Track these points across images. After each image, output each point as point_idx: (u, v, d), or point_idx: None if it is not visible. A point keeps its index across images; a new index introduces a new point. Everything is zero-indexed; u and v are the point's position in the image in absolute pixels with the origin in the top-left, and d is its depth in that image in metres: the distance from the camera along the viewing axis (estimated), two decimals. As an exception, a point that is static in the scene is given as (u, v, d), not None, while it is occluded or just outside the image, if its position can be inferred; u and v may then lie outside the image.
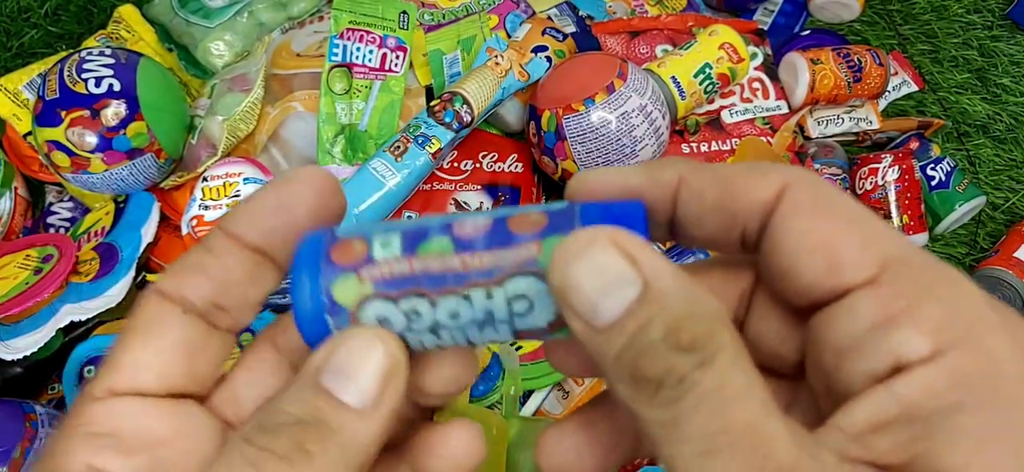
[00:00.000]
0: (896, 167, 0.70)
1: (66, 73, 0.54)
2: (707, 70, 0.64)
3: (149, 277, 0.55)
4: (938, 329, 0.13)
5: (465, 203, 0.62)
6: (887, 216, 0.70)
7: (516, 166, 0.64)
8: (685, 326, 0.13)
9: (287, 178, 0.16)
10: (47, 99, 0.54)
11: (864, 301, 0.14)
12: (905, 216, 0.70)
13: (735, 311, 0.17)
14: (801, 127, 0.75)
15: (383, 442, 0.15)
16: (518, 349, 0.57)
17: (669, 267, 0.13)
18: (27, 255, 0.54)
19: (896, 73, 0.81)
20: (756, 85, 0.72)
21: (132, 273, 0.54)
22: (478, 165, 0.64)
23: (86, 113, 0.53)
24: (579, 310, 0.13)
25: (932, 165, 0.74)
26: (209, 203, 0.57)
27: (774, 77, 0.73)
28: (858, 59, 0.73)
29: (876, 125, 0.76)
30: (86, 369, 0.53)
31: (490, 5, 0.70)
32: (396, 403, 0.14)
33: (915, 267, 0.14)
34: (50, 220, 0.64)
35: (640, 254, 0.13)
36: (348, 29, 0.62)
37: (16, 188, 0.64)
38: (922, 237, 0.71)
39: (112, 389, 0.15)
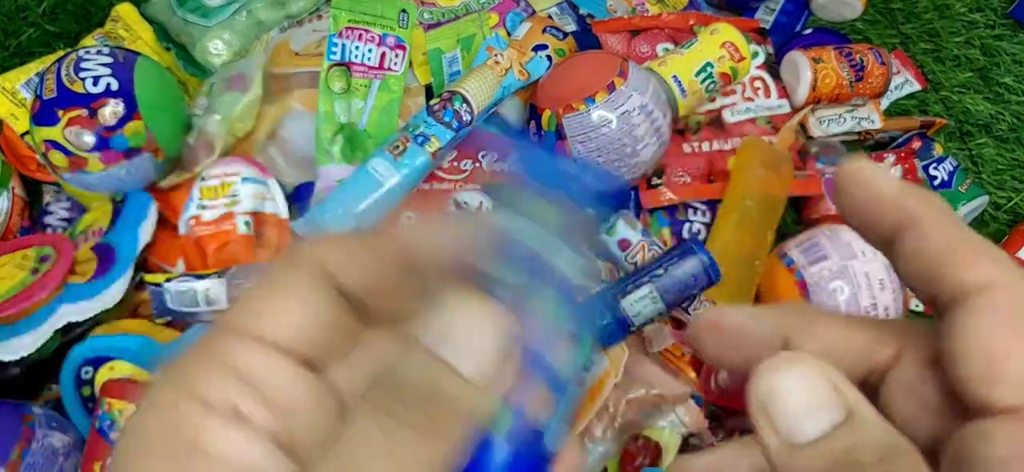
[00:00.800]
0: (898, 166, 0.70)
1: (64, 72, 0.54)
2: (708, 69, 0.64)
3: (147, 278, 0.55)
4: None
5: (465, 203, 0.62)
6: (889, 216, 0.70)
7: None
8: (895, 459, 0.13)
9: (466, 218, 0.16)
10: (45, 98, 0.54)
11: (1000, 431, 0.13)
12: (907, 216, 0.70)
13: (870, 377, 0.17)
14: (803, 126, 0.74)
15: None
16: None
17: (868, 403, 0.14)
18: (24, 255, 0.54)
19: (898, 72, 0.81)
20: (758, 84, 0.71)
21: (130, 273, 0.54)
22: (478, 165, 0.64)
23: (84, 112, 0.53)
24: (779, 422, 0.14)
25: (934, 165, 0.73)
26: (207, 203, 0.57)
27: (776, 76, 0.72)
28: (860, 58, 0.73)
29: (878, 124, 0.76)
30: (83, 370, 0.52)
31: (490, 3, 0.69)
32: (510, 384, 0.14)
33: None
34: (47, 220, 0.64)
35: (843, 383, 0.14)
36: (347, 28, 0.62)
37: (13, 188, 0.63)
38: (924, 237, 0.70)
39: (255, 333, 0.14)
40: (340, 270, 0.15)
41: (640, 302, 0.60)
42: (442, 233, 0.16)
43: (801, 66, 0.71)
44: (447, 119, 0.59)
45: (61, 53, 0.57)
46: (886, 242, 0.16)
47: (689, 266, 0.60)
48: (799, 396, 0.14)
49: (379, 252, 0.15)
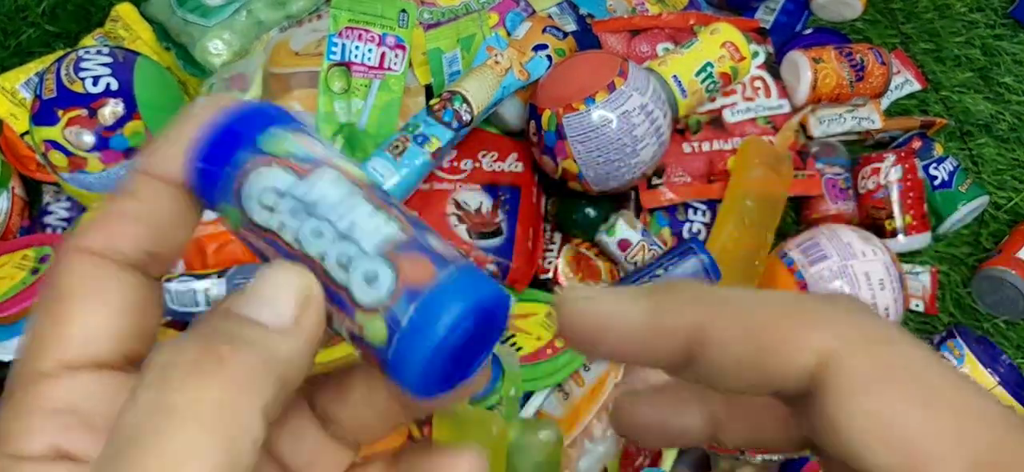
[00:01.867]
0: (899, 166, 0.70)
1: (63, 72, 0.54)
2: (709, 69, 0.64)
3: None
4: None
5: (465, 203, 0.62)
6: (890, 215, 0.70)
7: (516, 165, 0.64)
8: None
9: (199, 107, 0.15)
10: (44, 98, 0.54)
11: None
12: (908, 215, 0.70)
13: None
14: (803, 126, 0.74)
15: (307, 369, 0.13)
16: (518, 349, 0.57)
17: None
18: (24, 255, 0.54)
19: (898, 72, 0.81)
20: (758, 84, 0.71)
21: (129, 273, 0.54)
22: (478, 164, 0.64)
23: (83, 112, 0.53)
24: None
25: (935, 164, 0.73)
26: (207, 203, 0.57)
27: (776, 76, 0.72)
28: (860, 58, 0.73)
29: (879, 124, 0.76)
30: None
31: (490, 3, 0.69)
32: (316, 328, 0.13)
33: (1012, 465, 0.11)
34: (47, 220, 0.64)
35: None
36: (347, 27, 0.62)
37: (13, 188, 0.63)
38: (925, 236, 0.70)
39: (64, 362, 0.13)
40: (114, 243, 0.14)
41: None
42: (177, 134, 0.14)
43: (801, 66, 0.71)
44: (447, 119, 0.59)
45: (61, 53, 0.57)
46: (677, 367, 0.14)
47: (689, 266, 0.60)
48: None
49: (140, 200, 0.14)
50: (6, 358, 0.50)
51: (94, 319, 0.14)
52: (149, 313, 0.14)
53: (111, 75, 0.54)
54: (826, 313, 0.13)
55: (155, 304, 0.15)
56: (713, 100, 0.69)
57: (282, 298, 0.13)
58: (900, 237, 0.70)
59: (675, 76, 0.63)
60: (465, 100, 0.59)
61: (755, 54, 0.72)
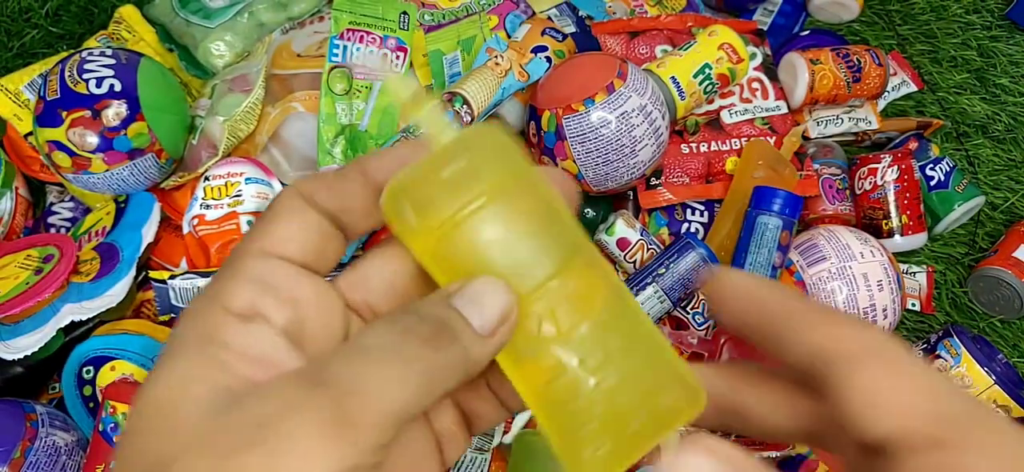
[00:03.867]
0: (895, 167, 0.70)
1: (67, 73, 0.55)
2: (706, 70, 0.65)
3: (152, 274, 0.55)
4: None
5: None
6: (886, 216, 0.70)
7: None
8: None
9: (415, 141, 0.19)
10: (48, 99, 0.54)
11: (922, 460, 0.15)
12: (904, 216, 0.70)
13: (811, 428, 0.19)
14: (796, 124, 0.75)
15: (483, 368, 0.18)
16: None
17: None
18: (28, 255, 0.54)
19: (895, 73, 0.81)
20: (755, 85, 0.72)
21: (133, 273, 0.54)
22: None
23: (87, 113, 0.53)
24: None
25: (931, 165, 0.74)
26: (210, 202, 0.57)
27: (773, 77, 0.73)
28: (857, 59, 0.73)
29: (875, 125, 0.77)
30: (85, 369, 0.53)
31: (490, 5, 0.70)
32: (506, 339, 0.18)
33: (971, 423, 0.15)
34: (51, 220, 0.64)
35: (738, 459, 0.16)
36: (348, 29, 0.62)
37: (17, 188, 0.64)
38: (921, 237, 0.71)
39: (265, 250, 0.18)
40: (314, 192, 0.19)
41: (647, 303, 0.60)
42: (391, 155, 0.19)
43: (799, 67, 0.71)
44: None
45: (64, 54, 0.57)
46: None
47: (689, 261, 0.61)
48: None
49: (343, 176, 0.19)
50: (10, 357, 0.50)
51: (290, 228, 0.18)
52: (329, 245, 0.19)
53: (114, 76, 0.55)
54: (832, 315, 0.17)
55: (335, 244, 0.19)
56: (711, 101, 0.70)
57: (492, 309, 0.17)
58: (897, 237, 0.70)
59: (673, 77, 0.64)
60: (465, 101, 0.60)
61: (753, 56, 0.72)
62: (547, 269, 0.18)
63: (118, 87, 0.54)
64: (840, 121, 0.76)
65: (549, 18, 0.69)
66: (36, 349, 0.50)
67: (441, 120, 0.18)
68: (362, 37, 0.62)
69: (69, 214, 0.64)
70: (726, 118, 0.70)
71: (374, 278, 0.19)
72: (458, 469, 0.55)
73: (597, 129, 0.57)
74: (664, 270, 0.61)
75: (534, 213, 0.18)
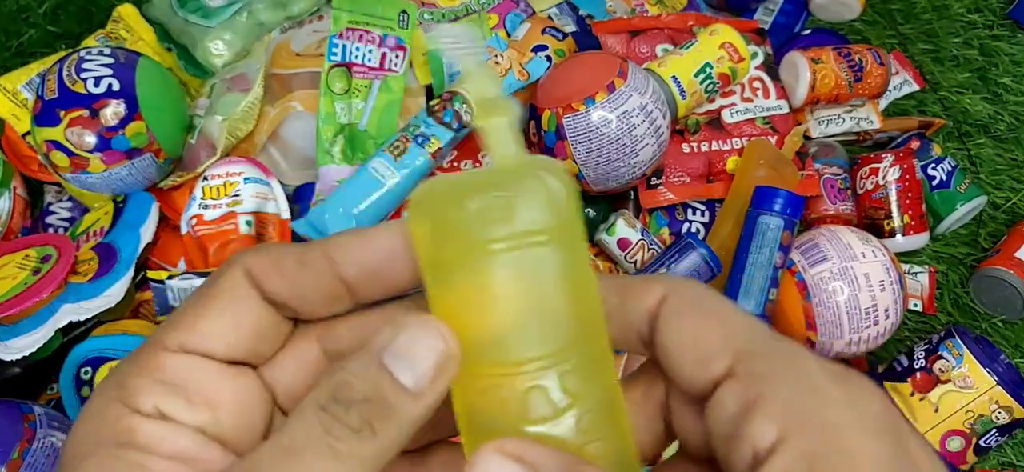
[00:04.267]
0: (897, 167, 0.70)
1: (65, 73, 0.54)
2: (708, 69, 0.64)
3: (150, 275, 0.55)
4: (783, 414, 0.14)
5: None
6: (888, 215, 0.70)
7: (516, 166, 0.64)
8: None
9: (396, 227, 0.17)
10: (46, 99, 0.54)
11: (726, 393, 0.15)
12: (906, 216, 0.70)
13: (662, 414, 0.18)
14: (797, 123, 0.75)
15: (423, 423, 0.16)
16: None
17: (552, 457, 0.15)
18: (26, 255, 0.54)
19: (897, 72, 0.81)
20: (757, 84, 0.72)
21: (131, 273, 0.54)
22: (478, 165, 0.64)
23: (85, 113, 0.53)
24: None
25: (933, 165, 0.74)
26: (209, 202, 0.57)
27: (775, 76, 0.73)
28: (859, 58, 0.73)
29: (877, 124, 0.76)
30: (83, 370, 0.52)
31: (490, 4, 0.69)
32: (444, 390, 0.16)
33: (761, 356, 0.15)
34: (49, 220, 0.64)
35: (525, 451, 0.15)
36: (347, 28, 0.62)
37: (15, 188, 0.63)
38: (923, 237, 0.71)
39: (183, 346, 0.16)
40: (264, 277, 0.17)
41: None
42: (365, 246, 0.17)
43: (800, 67, 0.71)
44: (447, 119, 0.59)
45: (63, 54, 0.57)
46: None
47: (690, 261, 0.61)
48: None
49: (305, 262, 0.17)
50: (8, 358, 0.50)
51: (219, 324, 0.17)
52: (267, 341, 0.17)
53: (113, 76, 0.54)
54: (666, 277, 0.18)
55: (277, 338, 0.18)
56: (712, 101, 0.69)
57: (425, 360, 0.15)
58: (898, 237, 0.70)
59: (674, 77, 0.63)
60: (465, 101, 0.60)
61: (754, 55, 0.72)
62: (562, 340, 0.16)
63: (116, 86, 0.54)
64: (842, 120, 0.75)
65: (549, 17, 0.69)
66: (34, 349, 0.50)
67: (510, 135, 0.17)
68: (361, 36, 0.62)
69: (67, 214, 0.64)
70: (727, 117, 0.69)
71: (290, 369, 0.18)
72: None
73: (598, 128, 0.57)
74: (665, 270, 0.61)
75: (574, 276, 0.16)
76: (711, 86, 0.65)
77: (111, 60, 0.55)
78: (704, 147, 0.68)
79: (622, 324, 0.17)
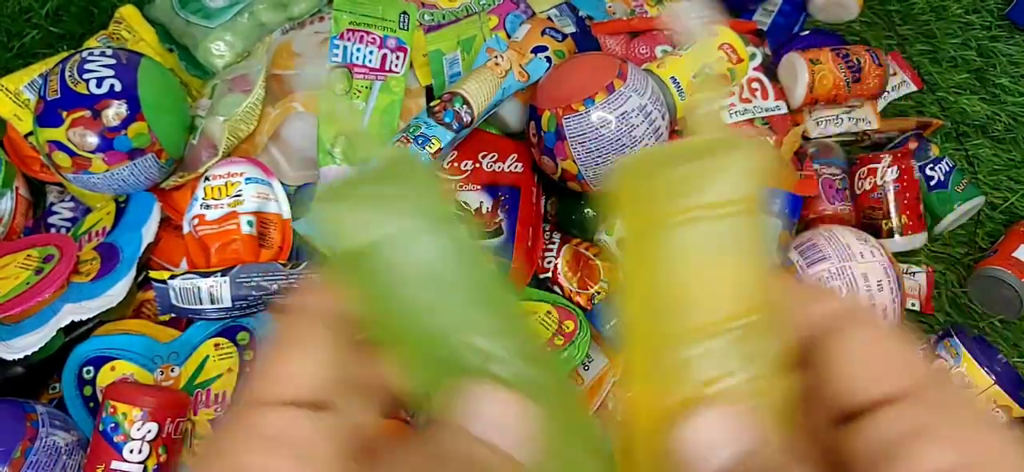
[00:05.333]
0: (895, 167, 0.70)
1: (67, 73, 0.55)
2: (706, 71, 0.65)
3: (152, 275, 0.55)
4: (955, 443, 0.15)
5: (465, 203, 0.62)
6: (886, 216, 0.70)
7: (516, 166, 0.64)
8: None
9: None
10: (48, 99, 0.54)
11: (895, 414, 0.16)
12: (904, 216, 0.70)
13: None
14: (796, 125, 0.75)
15: None
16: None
17: (770, 436, 0.16)
18: (28, 255, 0.54)
19: (895, 73, 0.81)
20: (755, 85, 0.72)
21: (133, 273, 0.54)
22: (478, 165, 0.64)
23: (87, 113, 0.53)
24: (692, 465, 0.17)
25: (931, 165, 0.74)
26: (211, 202, 0.57)
27: (773, 77, 0.73)
28: (857, 59, 0.73)
29: (875, 125, 0.77)
30: (85, 369, 0.53)
31: (490, 5, 0.70)
32: (532, 452, 0.17)
33: (939, 389, 0.16)
34: (51, 220, 0.64)
35: (744, 423, 0.17)
36: (348, 30, 0.62)
37: (17, 188, 0.64)
38: (921, 237, 0.71)
39: (279, 397, 0.17)
40: (341, 307, 0.18)
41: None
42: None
43: (798, 67, 0.71)
44: (447, 120, 0.59)
45: (65, 54, 0.57)
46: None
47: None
48: (706, 438, 0.16)
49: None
50: (10, 357, 0.50)
51: (310, 368, 0.17)
52: (341, 366, 0.18)
53: (115, 76, 0.55)
54: (837, 294, 0.19)
55: (347, 358, 0.18)
56: (711, 101, 0.70)
57: (515, 424, 0.17)
58: (896, 237, 0.70)
59: (673, 78, 0.64)
60: (465, 101, 0.60)
61: (752, 56, 0.72)
62: (746, 304, 0.17)
63: (118, 87, 0.54)
64: (840, 121, 0.76)
65: (549, 18, 0.69)
66: (36, 349, 0.50)
67: (719, 118, 0.18)
68: (362, 37, 0.62)
69: (69, 214, 0.64)
70: (726, 118, 0.70)
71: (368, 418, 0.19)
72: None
73: (597, 129, 0.57)
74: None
75: (761, 246, 0.17)
76: (710, 87, 0.65)
77: (113, 61, 0.56)
78: (703, 147, 0.68)
79: (783, 319, 0.18)
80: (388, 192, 0.17)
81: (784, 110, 0.72)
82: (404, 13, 0.64)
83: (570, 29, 0.69)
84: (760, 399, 0.17)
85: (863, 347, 0.17)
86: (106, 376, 0.52)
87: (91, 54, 0.56)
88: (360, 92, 0.62)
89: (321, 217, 0.17)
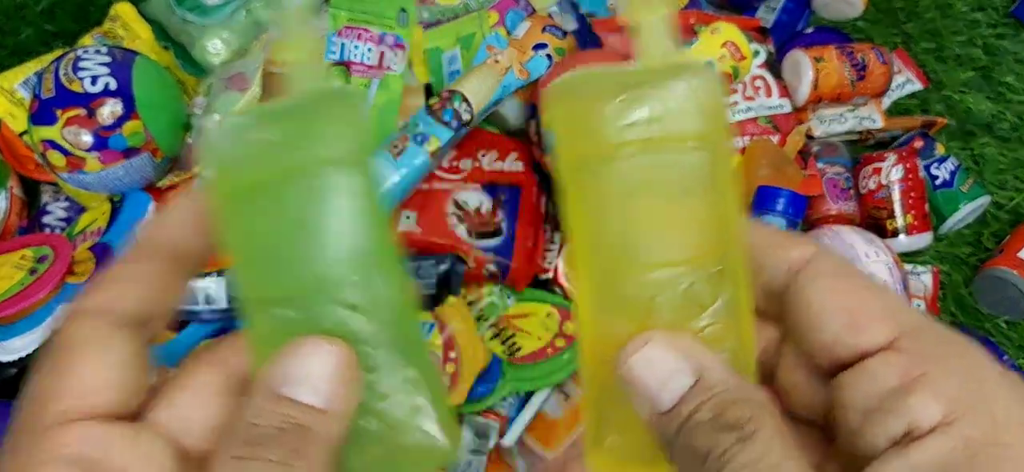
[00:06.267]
0: (900, 166, 0.70)
1: (62, 71, 0.54)
2: (709, 68, 0.64)
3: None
4: (951, 397, 0.14)
5: (464, 202, 0.62)
6: (891, 215, 0.70)
7: (516, 164, 0.64)
8: (730, 409, 0.15)
9: (187, 197, 0.17)
10: (43, 98, 0.54)
11: (883, 365, 0.15)
12: (909, 215, 0.69)
13: (764, 361, 0.18)
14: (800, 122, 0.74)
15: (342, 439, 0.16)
16: (518, 349, 0.57)
17: (718, 362, 0.16)
18: (23, 255, 0.54)
19: (900, 71, 0.80)
20: (759, 83, 0.71)
21: (128, 273, 0.54)
22: (477, 164, 0.63)
23: (82, 112, 0.53)
24: (644, 397, 0.16)
25: (936, 164, 0.73)
26: (206, 202, 0.57)
27: (777, 75, 0.72)
28: (862, 57, 0.72)
29: (880, 123, 0.76)
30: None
31: (490, 2, 0.69)
32: (354, 397, 0.15)
33: (932, 337, 0.15)
34: (46, 220, 0.64)
35: (693, 349, 0.16)
36: (346, 26, 0.61)
37: (11, 187, 0.63)
38: (926, 236, 0.70)
39: (66, 414, 0.15)
40: (116, 301, 0.16)
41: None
42: (175, 218, 0.17)
43: (802, 65, 0.71)
44: (446, 118, 0.59)
45: (59, 52, 0.57)
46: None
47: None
48: (653, 370, 0.15)
49: (135, 259, 0.16)
50: (4, 358, 0.49)
51: (94, 373, 0.15)
52: (140, 371, 0.16)
53: (110, 74, 0.54)
54: (809, 238, 0.17)
55: (144, 363, 0.16)
56: (714, 99, 0.69)
57: (322, 374, 0.15)
58: (901, 237, 0.69)
59: (676, 75, 0.63)
60: (465, 99, 0.59)
61: (756, 53, 0.71)
62: (698, 247, 0.16)
63: (113, 85, 0.54)
64: (844, 119, 0.75)
65: (550, 15, 0.69)
66: (31, 350, 0.50)
67: (664, 32, 0.16)
68: (360, 34, 0.62)
69: (64, 214, 0.64)
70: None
71: (192, 415, 0.16)
72: (455, 471, 0.55)
73: (598, 128, 0.56)
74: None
75: (718, 183, 0.16)
76: (713, 85, 0.65)
77: (108, 59, 0.55)
78: (706, 146, 0.68)
79: (755, 266, 0.17)
80: (292, 128, 0.15)
81: (788, 108, 0.71)
82: (402, 10, 0.63)
83: (571, 26, 0.68)
84: (720, 346, 0.16)
85: (843, 296, 0.16)
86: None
87: (86, 52, 0.55)
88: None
89: (219, 137, 0.16)
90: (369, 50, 0.62)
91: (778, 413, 0.15)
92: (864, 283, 0.16)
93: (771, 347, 0.18)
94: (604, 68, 0.16)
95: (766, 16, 0.82)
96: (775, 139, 0.69)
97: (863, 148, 0.78)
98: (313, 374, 0.15)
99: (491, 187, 0.62)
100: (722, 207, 0.16)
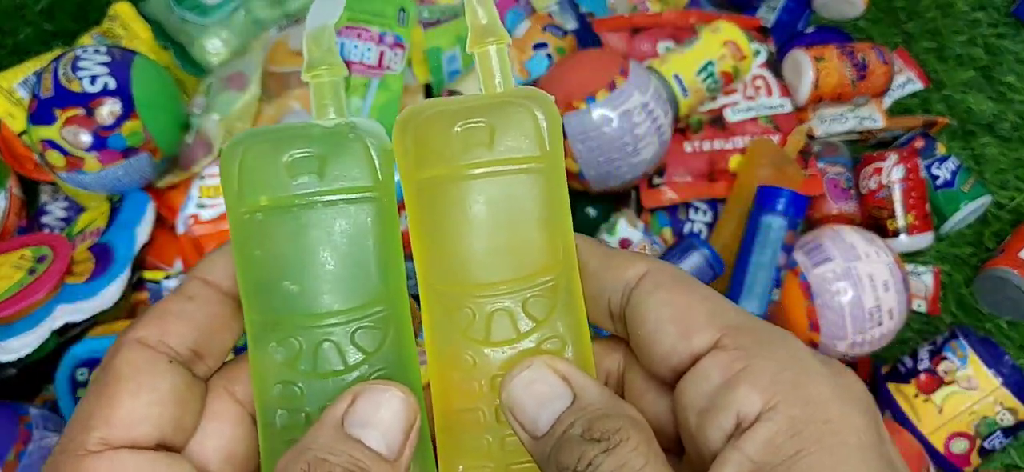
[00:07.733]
0: (901, 166, 0.70)
1: (61, 71, 0.54)
2: (710, 67, 0.64)
3: (147, 275, 0.55)
4: (772, 384, 0.15)
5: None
6: (892, 215, 0.69)
7: (516, 165, 0.64)
8: (599, 423, 0.15)
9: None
10: (42, 97, 0.53)
11: (710, 365, 0.16)
12: (910, 215, 0.69)
13: (611, 383, 0.19)
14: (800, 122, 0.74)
15: None
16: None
17: (593, 384, 0.16)
18: (21, 255, 0.54)
19: (901, 71, 0.80)
20: (759, 82, 0.71)
21: (127, 273, 0.54)
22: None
23: (81, 111, 0.53)
24: (523, 422, 0.16)
25: (937, 164, 0.73)
26: (206, 201, 0.56)
27: (778, 74, 0.72)
28: (862, 57, 0.72)
29: (881, 123, 0.76)
30: (79, 371, 0.52)
31: (490, 2, 0.69)
32: (414, 447, 0.16)
33: (751, 332, 0.16)
34: (45, 220, 0.64)
35: (570, 371, 0.16)
36: (346, 26, 0.61)
37: (11, 187, 0.63)
38: (928, 236, 0.70)
39: (108, 442, 0.15)
40: (166, 334, 0.16)
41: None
42: (222, 256, 0.17)
43: (803, 65, 0.71)
44: (447, 118, 0.58)
45: (58, 52, 0.57)
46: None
47: (692, 261, 0.60)
48: (533, 395, 0.16)
49: (189, 295, 0.16)
50: (3, 359, 0.49)
51: (137, 405, 0.15)
52: (190, 407, 0.16)
53: (109, 74, 0.54)
54: (645, 256, 0.18)
55: (197, 399, 0.17)
56: (714, 99, 0.69)
57: (391, 423, 0.15)
58: (902, 237, 0.69)
59: (676, 75, 0.63)
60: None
61: (757, 53, 0.71)
62: (530, 268, 0.17)
63: (112, 85, 0.54)
64: (845, 119, 0.75)
65: (550, 14, 0.69)
66: (29, 350, 0.49)
67: (498, 63, 0.17)
68: (359, 34, 0.61)
69: (63, 214, 0.64)
70: (730, 116, 0.69)
71: (210, 443, 0.17)
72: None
73: (599, 127, 0.56)
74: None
75: (552, 207, 0.17)
76: (713, 84, 0.65)
77: (107, 58, 0.55)
78: (706, 146, 0.68)
79: (596, 289, 0.18)
80: (313, 154, 0.16)
81: (789, 108, 0.71)
82: (402, 9, 0.63)
83: (571, 25, 0.68)
84: (561, 356, 0.17)
85: (674, 306, 0.17)
86: (100, 378, 0.52)
87: (85, 51, 0.55)
88: (357, 90, 0.61)
89: (237, 155, 0.16)
90: (369, 49, 0.62)
91: (648, 427, 0.15)
92: (694, 291, 0.17)
93: (617, 369, 0.19)
94: (448, 100, 0.17)
95: (767, 15, 0.82)
96: (776, 139, 0.69)
97: (864, 148, 0.78)
98: (384, 421, 0.15)
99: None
100: (554, 225, 0.17)
